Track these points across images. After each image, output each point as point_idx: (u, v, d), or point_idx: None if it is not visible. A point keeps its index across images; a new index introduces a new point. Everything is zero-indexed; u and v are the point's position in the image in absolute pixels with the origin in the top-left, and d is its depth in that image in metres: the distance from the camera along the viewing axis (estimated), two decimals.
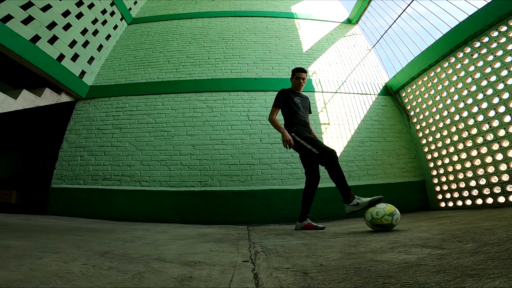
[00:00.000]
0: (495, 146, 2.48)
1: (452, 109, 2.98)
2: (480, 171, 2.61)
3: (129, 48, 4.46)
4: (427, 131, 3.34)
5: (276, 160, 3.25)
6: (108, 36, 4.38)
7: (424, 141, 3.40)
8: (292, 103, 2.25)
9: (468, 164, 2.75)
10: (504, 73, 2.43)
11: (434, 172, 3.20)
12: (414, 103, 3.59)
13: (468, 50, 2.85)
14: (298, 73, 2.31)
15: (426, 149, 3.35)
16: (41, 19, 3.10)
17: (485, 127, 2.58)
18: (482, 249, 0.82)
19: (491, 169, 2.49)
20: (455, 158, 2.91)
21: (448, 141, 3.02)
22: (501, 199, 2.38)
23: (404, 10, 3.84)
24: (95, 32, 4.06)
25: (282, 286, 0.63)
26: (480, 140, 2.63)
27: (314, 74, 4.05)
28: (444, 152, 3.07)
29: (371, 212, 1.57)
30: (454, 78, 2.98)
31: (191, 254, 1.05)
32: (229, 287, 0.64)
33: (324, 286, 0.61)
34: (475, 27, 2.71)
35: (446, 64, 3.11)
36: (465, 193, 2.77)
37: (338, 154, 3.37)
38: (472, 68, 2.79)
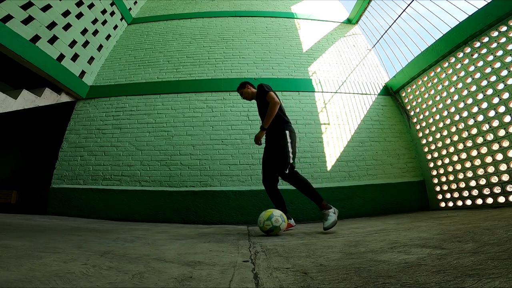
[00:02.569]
0: (495, 146, 2.48)
1: (452, 109, 2.98)
2: (480, 171, 2.61)
3: (129, 48, 4.46)
4: (427, 131, 3.34)
5: None
6: (108, 36, 4.38)
7: (424, 141, 3.40)
8: None
9: (468, 164, 2.75)
10: (504, 73, 2.43)
11: (434, 172, 3.20)
12: (414, 103, 3.59)
13: (468, 50, 2.85)
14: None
15: (426, 149, 3.35)
16: (41, 19, 3.10)
17: (485, 127, 2.58)
18: (482, 249, 0.82)
19: (491, 169, 2.49)
20: (455, 158, 2.91)
21: (448, 141, 3.02)
22: (501, 199, 2.38)
23: (404, 10, 3.84)
24: (95, 32, 4.06)
25: (282, 286, 0.63)
26: (480, 140, 2.63)
27: (314, 74, 4.05)
28: (444, 152, 3.07)
29: (258, 220, 1.77)
30: (454, 78, 2.98)
31: (191, 254, 1.05)
32: (229, 287, 0.64)
33: (324, 286, 0.61)
34: (475, 27, 2.71)
35: (446, 64, 3.11)
36: (465, 193, 2.76)
37: (338, 154, 3.38)
38: (472, 68, 2.79)
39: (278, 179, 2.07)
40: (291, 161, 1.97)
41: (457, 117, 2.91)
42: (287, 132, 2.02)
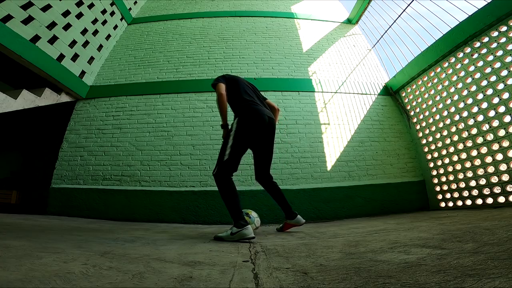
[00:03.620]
0: (495, 146, 2.47)
1: (452, 109, 2.98)
2: (480, 171, 2.61)
3: (129, 48, 4.46)
4: (427, 131, 3.34)
5: (276, 160, 3.25)
6: (108, 36, 4.38)
7: (424, 141, 3.40)
8: None
9: (468, 164, 2.75)
10: (504, 73, 2.43)
11: (434, 172, 3.20)
12: (414, 103, 3.59)
13: (468, 50, 2.85)
14: None
15: (426, 149, 3.35)
16: (41, 19, 3.10)
17: (485, 127, 2.58)
18: (482, 249, 0.82)
19: (491, 169, 2.49)
20: (455, 158, 2.91)
21: (448, 141, 3.02)
22: (501, 199, 2.38)
23: (404, 10, 3.84)
24: (95, 32, 4.06)
25: (282, 286, 0.63)
26: (480, 140, 2.63)
27: (314, 74, 4.04)
28: (444, 152, 3.07)
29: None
30: (454, 78, 2.97)
31: (191, 254, 1.05)
32: (229, 287, 0.64)
33: (324, 286, 0.61)
34: (475, 27, 2.71)
35: (446, 64, 3.10)
36: (465, 193, 2.76)
37: (338, 154, 3.38)
38: (472, 68, 2.79)
39: (270, 175, 1.99)
40: (227, 157, 1.53)
41: (457, 117, 2.91)
42: (236, 120, 1.65)
